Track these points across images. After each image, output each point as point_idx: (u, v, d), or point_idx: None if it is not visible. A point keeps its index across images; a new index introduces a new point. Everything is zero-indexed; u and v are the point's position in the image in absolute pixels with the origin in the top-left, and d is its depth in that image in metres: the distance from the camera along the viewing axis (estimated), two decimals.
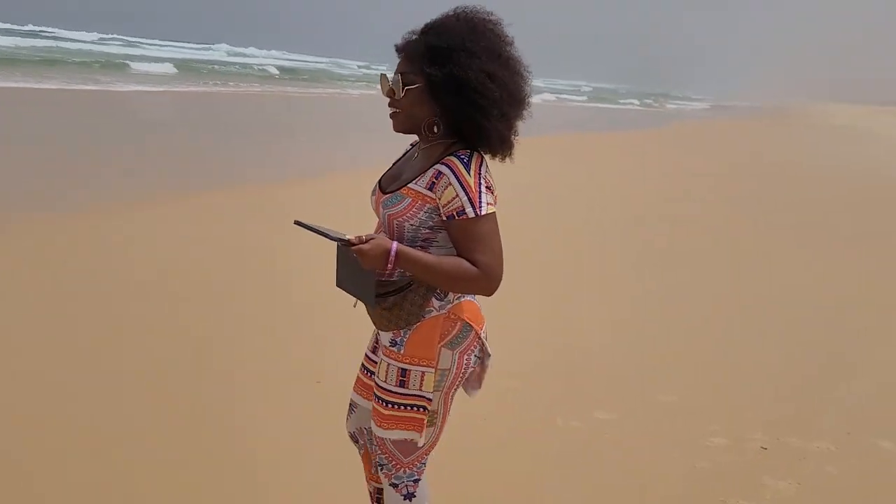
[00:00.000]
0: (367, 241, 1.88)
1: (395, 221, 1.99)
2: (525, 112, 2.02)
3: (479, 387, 2.19)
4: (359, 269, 1.94)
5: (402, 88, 1.96)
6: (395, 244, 1.91)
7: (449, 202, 1.92)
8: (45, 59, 30.17)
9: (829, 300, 6.30)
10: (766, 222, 9.84)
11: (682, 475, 3.32)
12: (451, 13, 1.99)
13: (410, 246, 1.97)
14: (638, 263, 7.12)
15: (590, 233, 8.49)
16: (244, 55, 61.68)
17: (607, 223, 9.07)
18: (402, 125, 2.03)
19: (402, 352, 2.06)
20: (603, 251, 7.62)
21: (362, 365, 2.35)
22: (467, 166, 1.92)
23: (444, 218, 1.94)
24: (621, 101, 61.72)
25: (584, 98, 59.03)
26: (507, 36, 2.01)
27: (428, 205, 1.95)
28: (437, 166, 1.94)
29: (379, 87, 2.06)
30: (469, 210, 1.90)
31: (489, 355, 2.15)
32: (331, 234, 1.90)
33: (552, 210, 9.65)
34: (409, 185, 1.98)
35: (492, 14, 2.01)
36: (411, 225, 1.97)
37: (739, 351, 4.93)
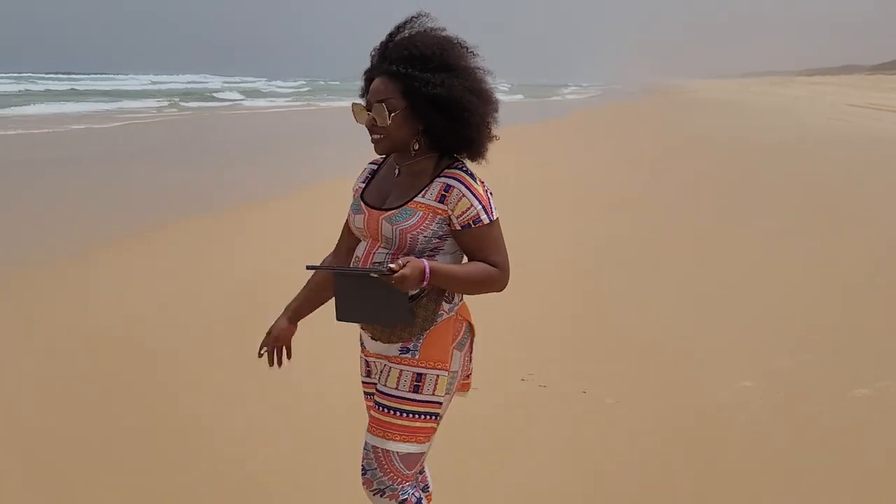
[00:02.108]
0: (405, 266, 1.93)
1: (409, 235, 2.06)
2: (496, 114, 2.15)
3: (467, 390, 2.30)
4: (387, 296, 1.98)
5: (389, 116, 2.03)
6: (426, 263, 1.98)
7: (464, 212, 2.04)
8: None
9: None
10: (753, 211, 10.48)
11: None
12: (411, 31, 2.09)
13: (420, 256, 2.06)
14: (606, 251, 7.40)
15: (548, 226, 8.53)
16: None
17: (562, 214, 9.25)
18: (386, 148, 2.11)
19: (417, 357, 2.11)
20: (573, 241, 7.82)
21: (364, 393, 2.36)
22: (473, 177, 2.08)
23: (460, 227, 2.06)
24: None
25: None
26: (467, 44, 2.12)
27: (439, 216, 2.05)
28: (445, 179, 2.06)
29: (353, 116, 2.12)
30: (484, 217, 2.06)
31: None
32: (359, 270, 2.05)
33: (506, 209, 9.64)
34: (416, 200, 2.07)
35: (451, 34, 2.12)
36: (424, 236, 2.05)
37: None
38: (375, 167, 2.27)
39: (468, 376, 2.29)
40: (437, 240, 2.07)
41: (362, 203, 2.18)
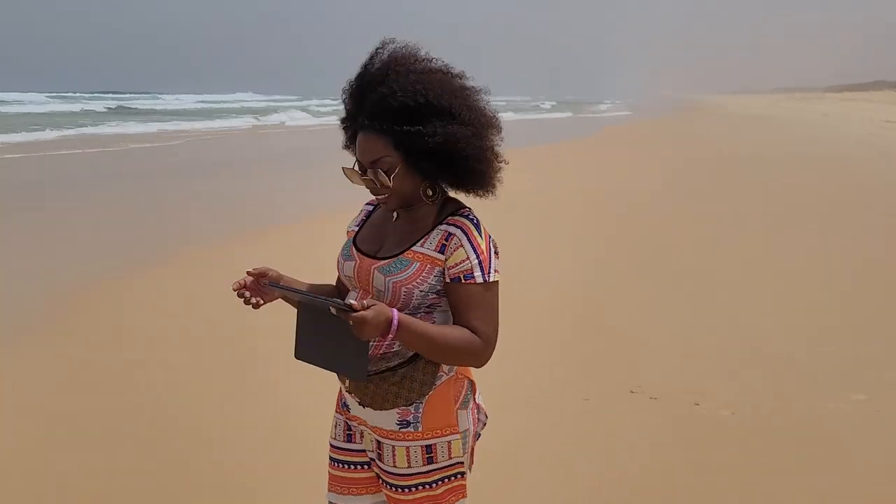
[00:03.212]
0: (369, 308, 1.67)
1: (404, 288, 1.83)
2: (500, 135, 1.94)
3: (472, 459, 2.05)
4: (345, 339, 1.71)
5: (389, 178, 1.83)
6: (396, 313, 1.73)
7: (457, 264, 1.82)
8: None
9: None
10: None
11: None
12: (383, 72, 1.85)
13: (414, 313, 1.84)
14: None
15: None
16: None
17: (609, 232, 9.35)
18: (395, 204, 1.90)
19: (420, 429, 1.89)
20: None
21: (332, 459, 2.08)
22: (478, 228, 1.86)
23: (449, 279, 1.83)
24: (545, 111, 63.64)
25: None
26: (449, 68, 1.91)
27: (437, 268, 1.84)
28: (447, 227, 1.85)
29: (348, 177, 1.93)
30: (478, 274, 1.82)
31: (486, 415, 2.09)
32: (318, 299, 1.73)
33: (546, 227, 9.54)
34: (414, 249, 1.85)
35: (416, 47, 1.91)
36: (420, 291, 1.84)
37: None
38: (371, 208, 2.07)
39: (477, 434, 2.05)
40: (434, 295, 1.86)
41: (354, 249, 1.97)
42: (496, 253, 1.88)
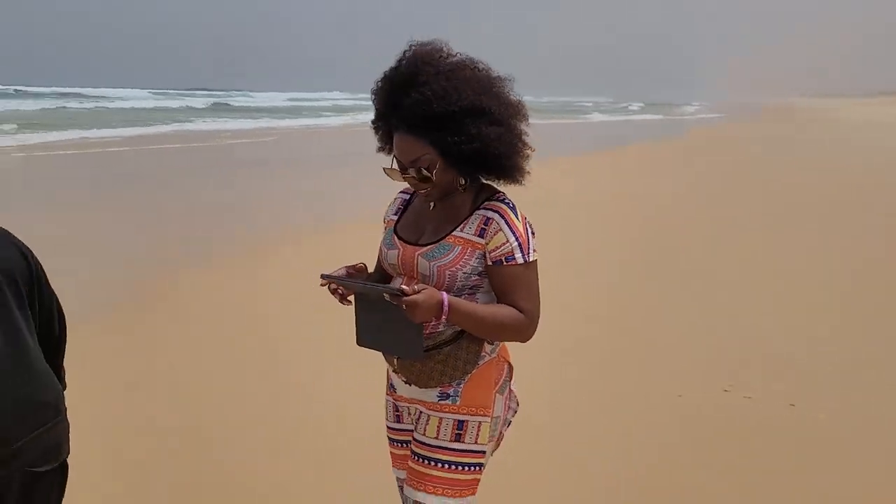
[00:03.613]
0: (419, 292, 1.80)
1: (448, 271, 1.93)
2: (527, 123, 2.01)
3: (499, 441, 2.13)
4: (401, 323, 1.83)
5: (431, 174, 1.92)
6: (445, 296, 1.85)
7: (498, 247, 1.91)
8: None
9: None
10: None
11: None
12: (414, 74, 1.90)
13: (458, 295, 1.93)
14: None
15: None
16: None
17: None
18: (437, 196, 1.99)
19: (458, 403, 1.98)
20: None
21: (390, 439, 2.21)
22: (514, 211, 1.95)
23: (491, 262, 1.92)
24: (633, 112, 62.94)
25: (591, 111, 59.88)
26: (475, 63, 1.97)
27: (478, 251, 1.93)
28: (485, 212, 1.95)
29: (390, 178, 2.01)
30: (519, 256, 1.91)
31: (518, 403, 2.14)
32: (369, 286, 1.88)
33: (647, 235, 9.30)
34: (454, 234, 1.95)
35: (439, 43, 1.97)
36: (464, 273, 1.93)
37: None
38: (408, 196, 2.15)
39: (509, 421, 2.14)
40: (477, 277, 1.95)
41: (396, 238, 2.05)
42: (532, 233, 1.96)
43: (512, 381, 2.10)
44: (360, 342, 1.99)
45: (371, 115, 2.06)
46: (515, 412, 2.13)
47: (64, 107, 40.35)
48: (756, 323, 5.69)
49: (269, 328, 5.45)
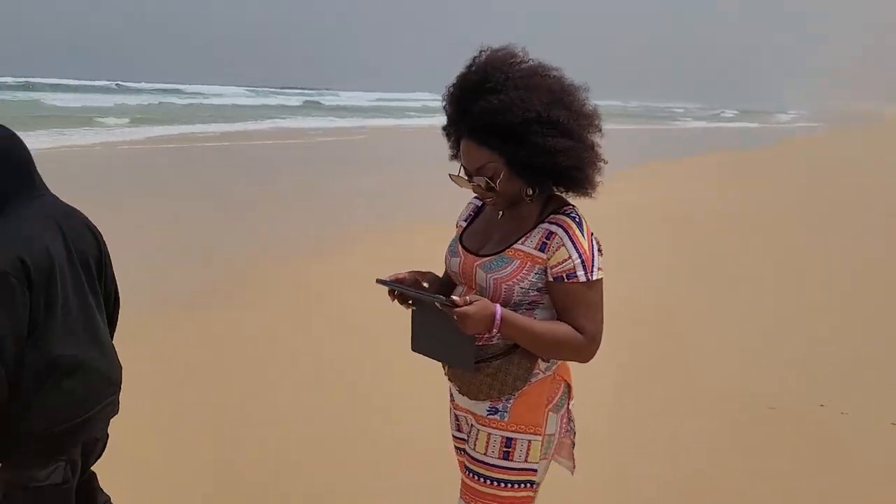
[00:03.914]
0: (471, 303, 1.76)
1: (504, 285, 1.87)
2: (601, 134, 1.93)
3: (573, 461, 2.08)
4: (453, 333, 1.80)
5: (495, 183, 1.87)
6: (499, 308, 1.79)
7: (560, 263, 1.83)
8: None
9: None
10: None
11: None
12: (485, 79, 1.85)
13: (515, 310, 1.86)
14: None
15: None
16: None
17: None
18: (503, 205, 1.94)
19: (506, 419, 1.92)
20: None
21: (455, 447, 2.18)
22: (580, 226, 1.86)
23: (552, 278, 1.84)
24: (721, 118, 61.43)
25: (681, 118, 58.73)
26: (553, 70, 1.90)
27: (538, 266, 1.85)
28: (548, 225, 1.86)
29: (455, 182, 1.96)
30: (581, 273, 1.82)
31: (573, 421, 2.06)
32: (422, 294, 1.86)
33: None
34: (515, 247, 1.88)
35: (513, 48, 1.91)
36: (521, 288, 1.86)
37: None
38: (479, 203, 2.10)
39: (572, 442, 2.07)
40: (536, 293, 1.87)
41: (460, 245, 2.02)
42: (599, 251, 1.88)
43: (571, 402, 2.01)
44: (414, 348, 1.97)
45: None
46: (575, 433, 2.06)
47: (164, 102, 42.32)
48: (801, 329, 5.72)
49: (349, 321, 5.59)
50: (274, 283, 6.71)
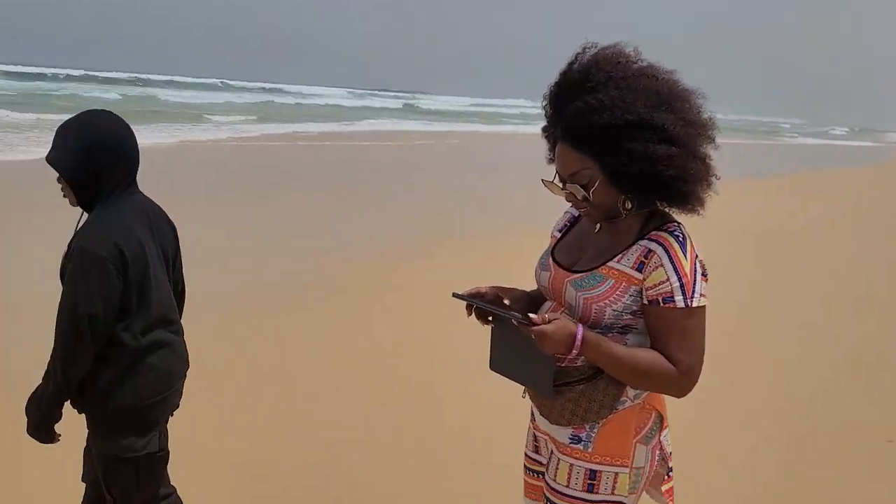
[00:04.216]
0: (550, 322, 1.63)
1: (595, 306, 1.72)
2: (713, 144, 1.76)
3: (670, 497, 1.89)
4: (532, 353, 1.68)
5: (588, 192, 1.72)
6: (580, 328, 1.65)
7: (656, 285, 1.67)
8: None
9: None
10: None
11: None
12: (586, 76, 1.71)
13: (607, 333, 1.72)
14: None
15: None
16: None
17: None
18: (598, 217, 1.79)
19: (589, 450, 1.77)
20: None
21: (525, 467, 2.05)
22: (683, 246, 1.68)
23: (647, 301, 1.69)
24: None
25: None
26: (665, 72, 1.74)
27: (633, 287, 1.69)
28: (647, 243, 1.70)
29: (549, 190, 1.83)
30: (679, 299, 1.65)
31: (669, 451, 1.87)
32: (500, 311, 1.73)
33: None
34: (610, 264, 1.72)
35: (623, 46, 1.76)
36: (614, 310, 1.71)
37: None
38: (576, 214, 1.94)
39: (667, 475, 1.87)
40: (630, 316, 1.72)
41: (551, 259, 1.88)
42: (704, 275, 1.71)
43: (663, 433, 1.83)
44: (492, 366, 1.87)
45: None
46: (671, 468, 1.87)
47: (269, 101, 44.09)
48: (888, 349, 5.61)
49: (433, 328, 5.50)
50: (364, 283, 6.81)
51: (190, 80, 65.54)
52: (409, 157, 20.06)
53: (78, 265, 2.05)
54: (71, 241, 2.16)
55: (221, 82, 65.89)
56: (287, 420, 4.05)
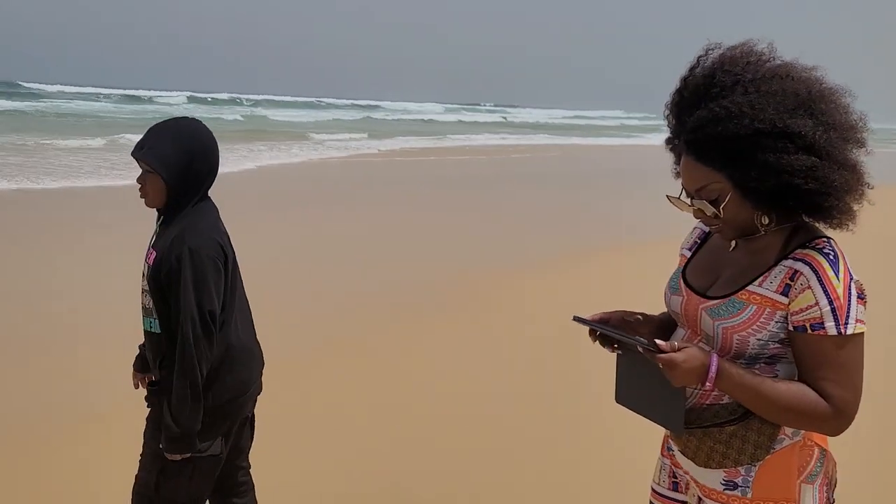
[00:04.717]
0: (679, 350, 1.49)
1: (737, 336, 1.56)
2: (865, 151, 1.58)
3: None
4: (662, 385, 1.54)
5: (718, 208, 1.56)
6: (714, 358, 1.50)
7: (803, 309, 1.50)
8: None
9: None
10: None
11: None
12: (710, 81, 1.55)
13: (753, 365, 1.57)
14: None
15: None
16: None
17: None
18: (733, 235, 1.63)
19: (749, 496, 1.60)
20: None
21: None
22: (835, 266, 1.50)
23: (793, 327, 1.52)
24: None
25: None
26: (805, 70, 1.56)
27: (779, 312, 1.53)
28: (792, 263, 1.53)
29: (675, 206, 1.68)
30: (830, 325, 1.48)
31: (835, 484, 1.68)
32: (625, 337, 1.56)
33: None
34: (750, 288, 1.56)
35: (754, 43, 1.59)
36: (758, 340, 1.55)
37: None
38: (706, 230, 1.78)
39: None
40: (777, 345, 1.56)
41: (682, 281, 1.72)
42: (861, 298, 1.53)
43: (831, 468, 1.66)
44: (618, 399, 1.74)
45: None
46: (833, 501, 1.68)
47: (370, 117, 45.52)
48: None
49: (557, 349, 5.38)
50: (486, 296, 6.80)
51: (288, 98, 68.00)
52: (507, 170, 20.22)
53: (194, 266, 2.10)
54: (157, 246, 2.19)
55: (318, 100, 68.04)
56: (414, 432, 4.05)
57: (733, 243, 1.66)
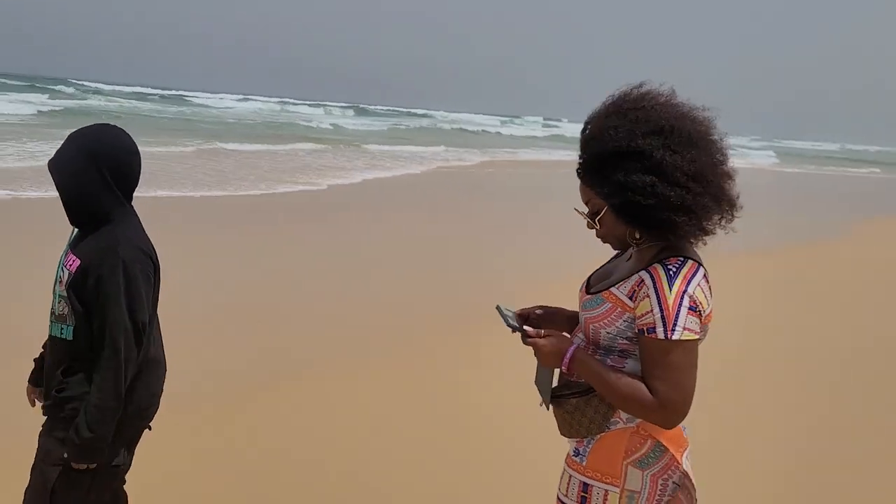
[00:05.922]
0: (545, 336, 1.78)
1: (592, 326, 1.82)
2: (727, 179, 1.76)
3: None
4: (539, 363, 1.86)
5: (595, 220, 1.80)
6: (573, 347, 1.78)
7: (643, 314, 1.71)
8: None
9: None
10: None
11: None
12: (609, 107, 1.78)
13: (605, 355, 1.80)
14: None
15: None
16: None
17: None
18: (615, 246, 1.88)
19: (584, 463, 1.84)
20: None
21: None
22: (672, 279, 1.68)
23: (636, 330, 1.74)
24: None
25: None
26: (663, 96, 1.76)
27: (627, 314, 1.75)
28: (642, 273, 1.73)
29: None
30: (659, 330, 1.67)
31: (694, 488, 1.82)
32: (510, 321, 1.85)
33: None
34: (611, 290, 1.79)
35: (649, 84, 1.79)
36: (608, 333, 1.78)
37: None
38: None
39: None
40: (625, 341, 1.77)
41: (586, 281, 1.96)
42: (692, 309, 1.68)
43: (683, 460, 1.80)
44: (535, 382, 1.94)
45: None
46: (684, 489, 1.79)
47: (423, 127, 46.23)
48: None
49: None
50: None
51: (329, 103, 67.38)
52: (559, 184, 20.07)
53: (127, 277, 2.06)
54: (80, 253, 2.12)
55: (356, 107, 67.20)
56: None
57: (628, 254, 1.87)
